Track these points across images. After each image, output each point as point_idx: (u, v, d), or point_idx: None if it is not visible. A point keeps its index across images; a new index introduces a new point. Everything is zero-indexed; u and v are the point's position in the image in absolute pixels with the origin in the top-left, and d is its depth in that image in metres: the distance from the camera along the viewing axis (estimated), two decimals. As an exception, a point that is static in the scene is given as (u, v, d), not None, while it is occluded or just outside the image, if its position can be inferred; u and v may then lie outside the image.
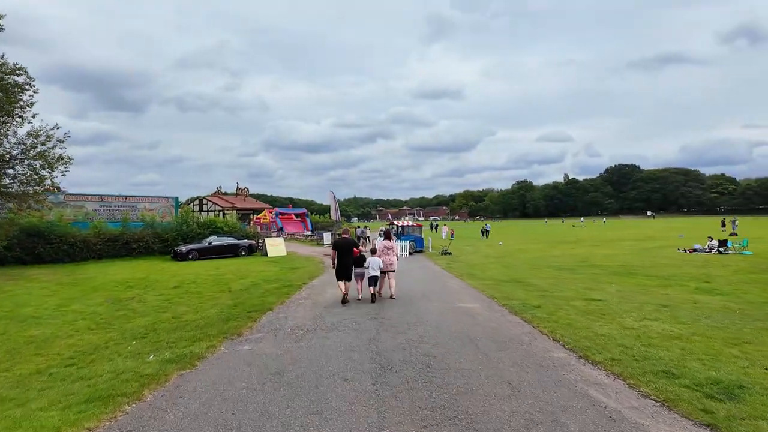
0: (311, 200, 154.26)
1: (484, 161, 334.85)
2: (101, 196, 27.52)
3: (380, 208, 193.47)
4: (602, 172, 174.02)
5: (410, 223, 25.79)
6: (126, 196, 28.39)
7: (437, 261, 20.94)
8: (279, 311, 9.53)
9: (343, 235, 11.25)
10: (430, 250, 26.56)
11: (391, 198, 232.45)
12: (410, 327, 7.70)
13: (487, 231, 34.45)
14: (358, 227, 35.72)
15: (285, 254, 25.82)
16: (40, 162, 17.33)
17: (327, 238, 34.65)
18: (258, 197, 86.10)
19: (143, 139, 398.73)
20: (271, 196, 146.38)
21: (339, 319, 8.52)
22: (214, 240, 25.04)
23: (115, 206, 27.71)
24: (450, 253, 23.83)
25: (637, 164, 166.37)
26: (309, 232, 42.33)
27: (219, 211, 33.15)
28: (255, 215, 39.35)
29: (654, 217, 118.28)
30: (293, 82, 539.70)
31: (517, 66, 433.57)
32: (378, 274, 10.41)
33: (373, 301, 10.13)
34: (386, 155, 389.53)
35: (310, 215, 53.29)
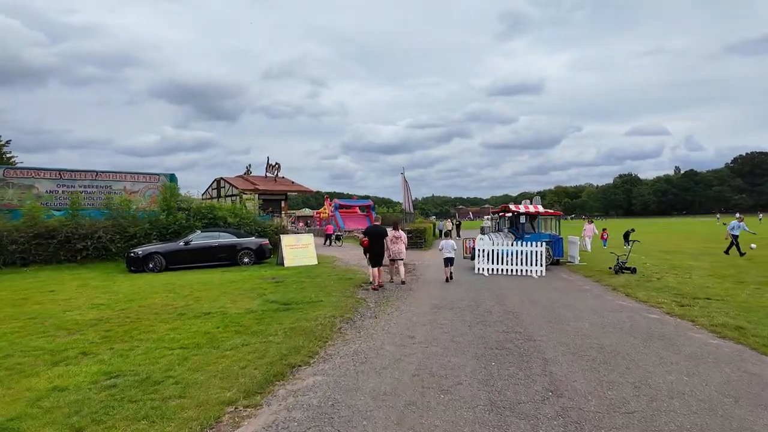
0: (388, 198, 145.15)
1: (570, 157, 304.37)
2: (60, 171, 18.67)
3: (460, 207, 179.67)
4: (728, 162, 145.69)
5: (539, 209, 13.59)
6: (97, 172, 19.35)
7: (654, 301, 8.70)
8: None
9: (375, 223, 11.34)
10: (576, 260, 14.24)
11: (471, 196, 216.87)
12: None
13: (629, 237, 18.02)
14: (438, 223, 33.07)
15: (315, 263, 15.05)
16: None
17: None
18: (336, 195, 77.06)
19: (238, 145, 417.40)
20: (348, 194, 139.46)
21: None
22: (197, 238, 14.87)
23: (81, 187, 18.74)
24: (633, 270, 11.48)
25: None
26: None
27: (236, 195, 23.67)
28: (286, 202, 29.20)
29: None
30: (370, 87, 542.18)
31: (602, 57, 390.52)
32: (453, 255, 10.92)
33: (447, 281, 10.62)
34: (463, 154, 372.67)
35: (376, 208, 42.63)
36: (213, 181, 30.41)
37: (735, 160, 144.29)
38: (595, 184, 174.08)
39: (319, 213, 49.30)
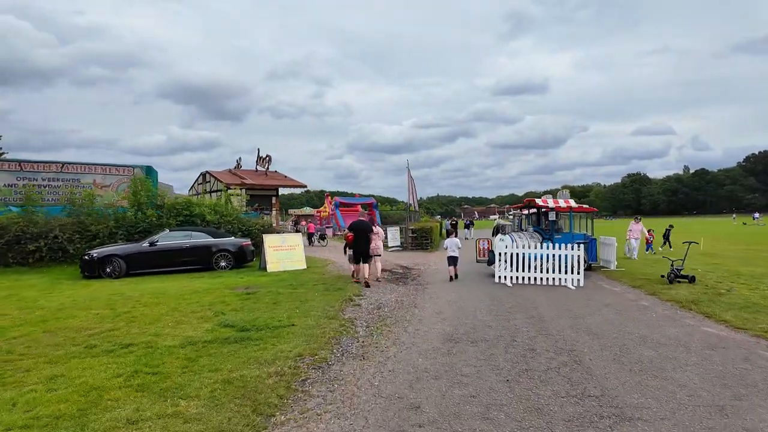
0: (393, 197, 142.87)
1: (576, 157, 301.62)
2: (20, 163, 16.57)
3: (465, 206, 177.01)
4: (740, 161, 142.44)
5: (570, 203, 11.25)
6: (63, 164, 17.21)
7: (758, 329, 6.36)
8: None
9: (360, 218, 11.02)
10: (612, 265, 11.94)
11: (476, 196, 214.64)
12: None
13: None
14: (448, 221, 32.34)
15: (303, 267, 12.85)
16: None
17: (392, 236, 21.93)
18: (341, 195, 74.28)
19: (243, 145, 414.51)
20: (352, 194, 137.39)
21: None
22: (164, 238, 12.69)
23: (45, 180, 16.64)
24: (691, 279, 9.20)
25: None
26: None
27: (221, 190, 21.52)
28: (277, 198, 26.93)
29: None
30: (375, 87, 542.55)
31: (607, 57, 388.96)
32: (457, 254, 10.74)
33: (451, 280, 10.42)
34: (468, 154, 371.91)
35: (380, 206, 40.42)
36: (199, 176, 28.14)
37: (747, 159, 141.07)
38: (603, 184, 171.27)
39: (320, 212, 47.30)
